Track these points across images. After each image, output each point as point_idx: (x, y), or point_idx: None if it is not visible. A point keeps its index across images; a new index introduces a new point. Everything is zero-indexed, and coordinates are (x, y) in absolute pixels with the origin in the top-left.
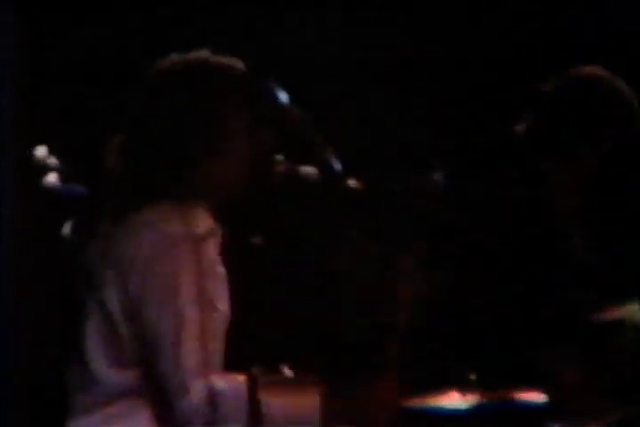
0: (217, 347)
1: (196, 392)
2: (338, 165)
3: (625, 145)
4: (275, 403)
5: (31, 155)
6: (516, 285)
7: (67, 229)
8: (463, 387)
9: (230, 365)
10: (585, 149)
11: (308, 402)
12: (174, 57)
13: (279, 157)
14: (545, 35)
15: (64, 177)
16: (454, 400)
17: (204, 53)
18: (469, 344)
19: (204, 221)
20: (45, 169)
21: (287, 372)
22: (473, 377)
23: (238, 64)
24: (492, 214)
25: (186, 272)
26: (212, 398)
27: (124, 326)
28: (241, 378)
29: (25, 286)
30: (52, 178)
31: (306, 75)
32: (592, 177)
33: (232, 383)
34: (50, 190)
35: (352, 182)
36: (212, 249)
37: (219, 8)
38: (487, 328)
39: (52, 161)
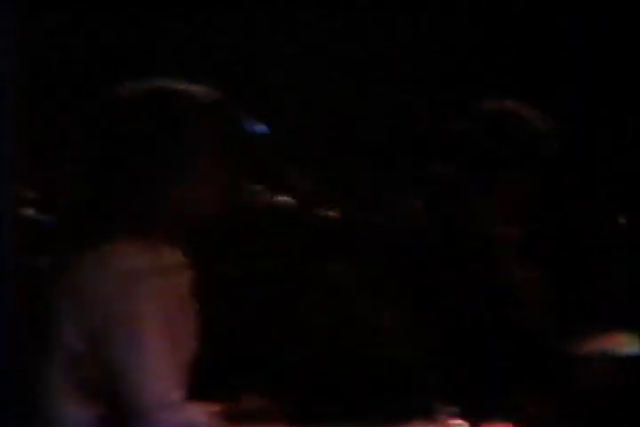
0: (182, 381)
1: (162, 424)
2: (311, 194)
3: (544, 169)
4: None
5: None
6: (477, 317)
7: (42, 262)
8: (443, 419)
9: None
10: (508, 183)
11: None
12: (135, 84)
13: (253, 187)
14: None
15: (41, 209)
16: None
17: (167, 81)
18: (448, 376)
19: (171, 255)
20: (23, 202)
21: (253, 402)
22: (455, 410)
23: (207, 93)
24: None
25: (150, 308)
26: None
27: (89, 365)
28: (207, 409)
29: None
30: (29, 211)
31: (278, 101)
32: (526, 207)
33: (199, 415)
34: (29, 222)
35: (326, 210)
36: (181, 283)
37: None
38: (460, 360)
39: (30, 194)
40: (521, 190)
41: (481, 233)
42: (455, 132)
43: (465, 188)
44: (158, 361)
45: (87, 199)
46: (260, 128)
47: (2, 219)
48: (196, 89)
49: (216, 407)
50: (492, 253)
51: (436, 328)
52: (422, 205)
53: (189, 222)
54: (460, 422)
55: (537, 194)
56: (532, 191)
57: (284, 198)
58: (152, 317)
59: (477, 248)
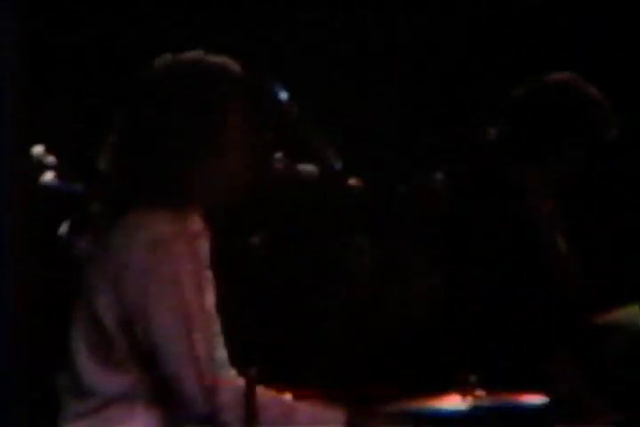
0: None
1: (202, 391)
2: (338, 164)
3: (597, 152)
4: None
5: (29, 153)
6: (512, 287)
7: (64, 229)
8: (463, 389)
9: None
10: (556, 155)
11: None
12: (169, 57)
13: (279, 156)
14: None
15: (61, 175)
16: (455, 402)
17: (198, 53)
18: (470, 346)
19: (193, 222)
20: (43, 167)
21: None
22: (473, 379)
23: (234, 64)
24: (478, 222)
25: (183, 271)
26: (238, 397)
27: (119, 333)
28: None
29: (24, 286)
30: (49, 176)
31: (305, 73)
32: (567, 182)
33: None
34: (47, 188)
35: (353, 181)
36: (203, 250)
37: (216, 7)
38: (487, 330)
39: (50, 159)
40: (569, 165)
41: (526, 203)
42: (515, 99)
43: (515, 156)
44: (197, 325)
45: (122, 169)
46: (288, 97)
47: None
48: (226, 61)
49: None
50: (536, 224)
51: (465, 298)
52: (459, 175)
53: (219, 193)
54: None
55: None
56: (578, 167)
57: (310, 167)
58: (187, 279)
59: (521, 219)
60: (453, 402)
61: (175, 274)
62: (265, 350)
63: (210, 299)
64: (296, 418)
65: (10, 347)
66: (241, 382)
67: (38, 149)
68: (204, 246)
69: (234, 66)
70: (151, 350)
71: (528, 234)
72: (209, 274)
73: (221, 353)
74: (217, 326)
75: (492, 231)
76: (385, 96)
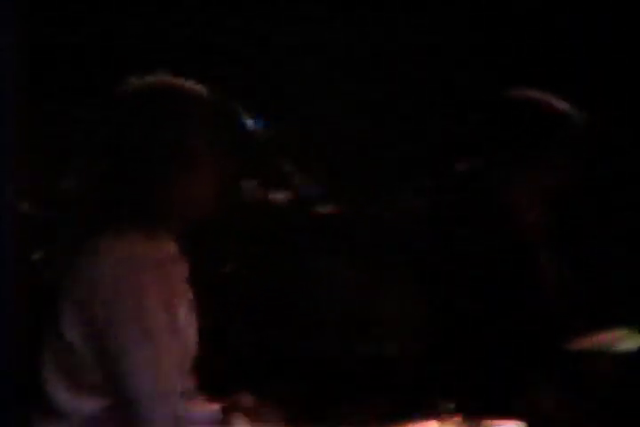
0: (184, 374)
1: (163, 421)
2: (310, 190)
3: (579, 157)
4: None
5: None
6: (491, 309)
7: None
8: (442, 415)
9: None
10: (537, 160)
11: None
12: (136, 80)
13: (251, 183)
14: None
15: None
16: None
17: (166, 77)
18: (447, 372)
19: (167, 246)
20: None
21: (248, 399)
22: (451, 405)
23: (202, 88)
24: (460, 245)
25: (152, 297)
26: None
27: (88, 357)
28: (209, 407)
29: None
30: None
31: (278, 97)
32: (552, 192)
33: (201, 413)
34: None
35: (325, 207)
36: (178, 275)
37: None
38: (465, 355)
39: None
40: (550, 177)
41: (513, 222)
42: (478, 122)
43: (495, 177)
44: (161, 351)
45: (91, 191)
46: (259, 124)
47: (1, 219)
48: (197, 85)
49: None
50: (523, 245)
51: (440, 323)
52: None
53: (188, 216)
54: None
55: (565, 183)
56: (561, 179)
57: (281, 194)
58: (155, 303)
59: (507, 240)
60: None
61: (140, 303)
62: (241, 376)
63: (188, 323)
64: None
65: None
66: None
67: None
68: (178, 271)
69: (202, 89)
70: (113, 373)
71: (513, 257)
72: (186, 298)
73: (190, 382)
74: (190, 353)
75: (476, 255)
76: (357, 120)
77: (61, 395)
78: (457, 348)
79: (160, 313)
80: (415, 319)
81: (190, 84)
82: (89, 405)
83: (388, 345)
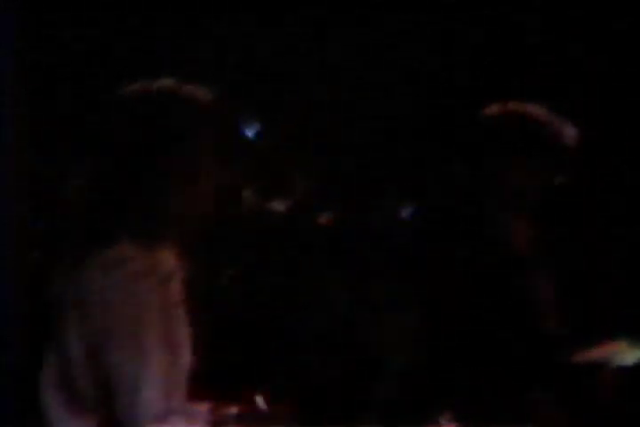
0: (179, 393)
1: None
2: (308, 199)
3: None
4: None
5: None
6: (488, 323)
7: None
8: (439, 425)
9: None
10: (523, 178)
11: None
12: (139, 84)
13: (249, 192)
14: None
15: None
16: None
17: (169, 82)
18: (447, 383)
19: (168, 260)
20: None
21: (260, 403)
22: (448, 416)
23: (206, 92)
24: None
25: (151, 313)
26: None
27: (84, 373)
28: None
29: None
30: None
31: (279, 105)
32: (539, 209)
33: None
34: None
35: (322, 217)
36: (176, 288)
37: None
38: (465, 366)
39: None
40: (534, 186)
41: (498, 235)
42: (465, 132)
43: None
44: (155, 369)
45: (90, 202)
46: (258, 130)
47: (1, 220)
48: (197, 90)
49: (205, 407)
50: (509, 259)
51: (439, 332)
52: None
53: (188, 226)
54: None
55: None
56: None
57: (280, 203)
58: (153, 320)
59: (493, 252)
60: None
61: (138, 318)
62: (239, 385)
63: (182, 339)
64: None
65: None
66: None
67: None
68: (176, 285)
69: (204, 94)
70: (105, 391)
71: (503, 268)
72: (182, 314)
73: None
74: (183, 376)
75: (467, 265)
76: (354, 130)
77: (56, 412)
78: (456, 360)
79: (157, 329)
80: (413, 331)
81: (193, 90)
82: (81, 423)
83: (387, 357)
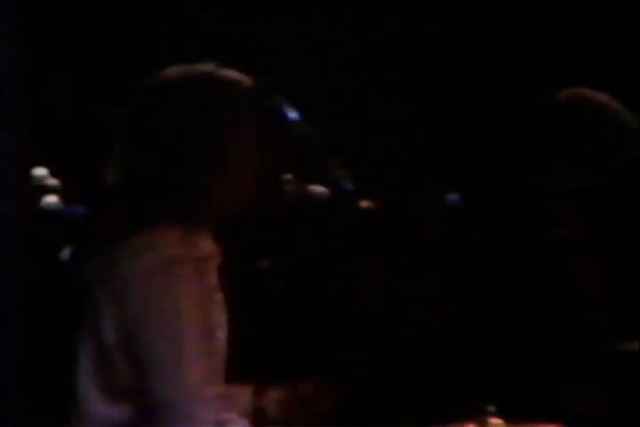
0: (217, 374)
1: (203, 420)
2: (349, 185)
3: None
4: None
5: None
6: (531, 314)
7: (65, 253)
8: (481, 419)
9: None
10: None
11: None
12: (179, 68)
13: (288, 176)
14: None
15: (64, 199)
16: None
17: (210, 66)
18: (488, 375)
19: (205, 244)
20: (45, 190)
21: (307, 387)
22: (491, 409)
23: (245, 79)
24: (495, 248)
25: (187, 296)
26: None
27: (120, 358)
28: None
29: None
30: (51, 199)
31: (319, 91)
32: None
33: (229, 413)
34: (49, 212)
35: (364, 203)
36: (213, 274)
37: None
38: (506, 358)
39: (52, 182)
40: (594, 179)
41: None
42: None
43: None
44: (194, 353)
45: (127, 188)
46: (298, 115)
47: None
48: (238, 76)
49: (249, 389)
50: (562, 250)
51: (479, 324)
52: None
53: (227, 211)
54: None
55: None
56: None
57: (319, 188)
58: (190, 304)
59: (548, 246)
60: None
61: (177, 300)
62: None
63: (219, 324)
64: None
65: (10, 348)
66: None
67: (41, 172)
68: (213, 270)
69: (245, 80)
70: (144, 375)
71: (554, 259)
72: (219, 298)
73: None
74: (222, 355)
75: (513, 258)
76: (396, 117)
77: (91, 399)
78: (497, 351)
79: (194, 313)
80: (452, 321)
81: (233, 74)
82: (117, 410)
83: (423, 348)
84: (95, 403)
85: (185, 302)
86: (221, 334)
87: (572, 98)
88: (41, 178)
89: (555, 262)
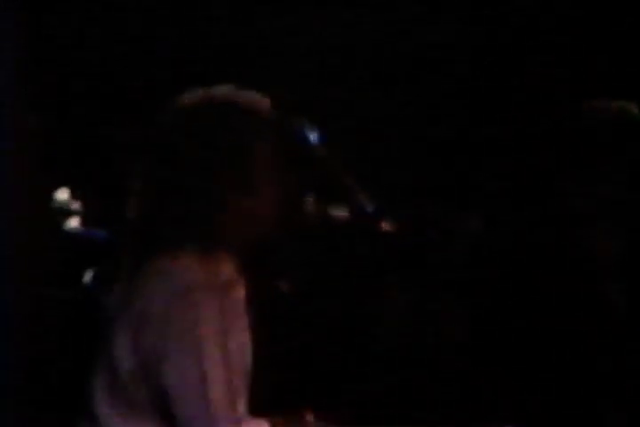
0: (241, 400)
1: None
2: (370, 207)
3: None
4: None
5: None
6: (556, 336)
7: (88, 277)
8: None
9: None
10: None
11: None
12: (198, 93)
13: (310, 199)
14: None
15: (86, 222)
16: None
17: (230, 90)
18: (509, 394)
19: (226, 270)
20: (67, 213)
21: (309, 418)
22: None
23: (264, 101)
24: (525, 258)
25: (208, 323)
26: None
27: (133, 379)
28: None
29: (39, 336)
30: (73, 223)
31: (337, 113)
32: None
33: None
34: (71, 235)
35: (384, 225)
36: (235, 298)
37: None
38: (531, 376)
39: (75, 206)
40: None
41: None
42: (567, 131)
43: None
44: (219, 378)
45: (151, 213)
46: (319, 139)
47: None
48: (257, 99)
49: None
50: (590, 270)
51: (504, 342)
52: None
53: (248, 235)
54: None
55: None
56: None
57: (341, 211)
58: (209, 332)
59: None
60: None
61: (195, 329)
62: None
63: (245, 348)
64: None
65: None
66: None
67: (63, 196)
68: (238, 296)
69: (264, 103)
70: (165, 396)
71: (581, 279)
72: (245, 322)
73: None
74: (245, 377)
75: (535, 280)
76: (417, 139)
77: (107, 418)
78: (521, 368)
79: (215, 340)
80: (475, 339)
81: (253, 97)
82: (136, 424)
83: (448, 367)
84: (113, 423)
85: (203, 329)
86: (247, 355)
87: (621, 112)
88: (64, 202)
89: (580, 283)
